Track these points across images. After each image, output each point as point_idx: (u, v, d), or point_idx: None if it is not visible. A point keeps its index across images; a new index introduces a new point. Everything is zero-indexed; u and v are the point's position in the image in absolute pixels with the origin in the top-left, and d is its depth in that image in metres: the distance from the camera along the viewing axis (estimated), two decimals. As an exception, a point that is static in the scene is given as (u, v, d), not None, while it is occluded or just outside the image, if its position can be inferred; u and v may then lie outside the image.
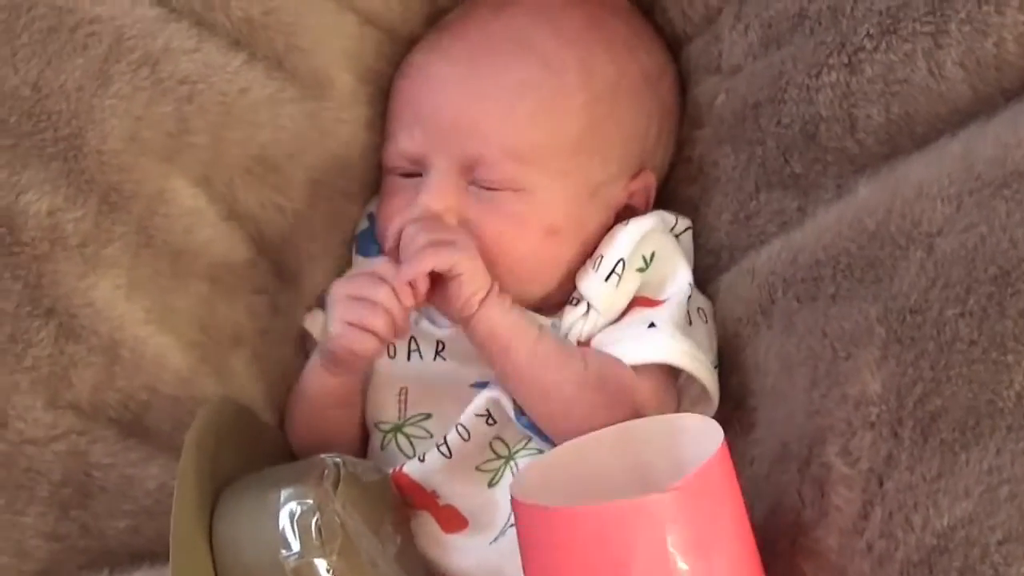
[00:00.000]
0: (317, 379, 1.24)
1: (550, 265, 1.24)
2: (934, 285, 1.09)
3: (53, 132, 1.19)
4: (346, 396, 1.27)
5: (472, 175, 1.22)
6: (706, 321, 1.27)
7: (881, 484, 1.09)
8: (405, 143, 1.25)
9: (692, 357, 1.21)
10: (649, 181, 1.27)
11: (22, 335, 1.20)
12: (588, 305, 1.24)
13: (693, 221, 1.31)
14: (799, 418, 1.17)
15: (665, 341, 1.21)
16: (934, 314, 1.08)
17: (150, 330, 1.23)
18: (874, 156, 1.19)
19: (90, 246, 1.20)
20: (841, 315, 1.16)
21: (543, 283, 1.25)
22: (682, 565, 1.04)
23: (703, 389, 1.22)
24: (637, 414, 1.19)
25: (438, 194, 1.22)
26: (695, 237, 1.31)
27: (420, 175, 1.25)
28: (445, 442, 1.23)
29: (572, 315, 1.24)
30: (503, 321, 1.20)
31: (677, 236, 1.28)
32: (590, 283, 1.24)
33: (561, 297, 1.26)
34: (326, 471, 1.13)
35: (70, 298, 1.21)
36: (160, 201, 1.22)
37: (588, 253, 1.25)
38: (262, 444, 1.25)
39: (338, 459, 1.15)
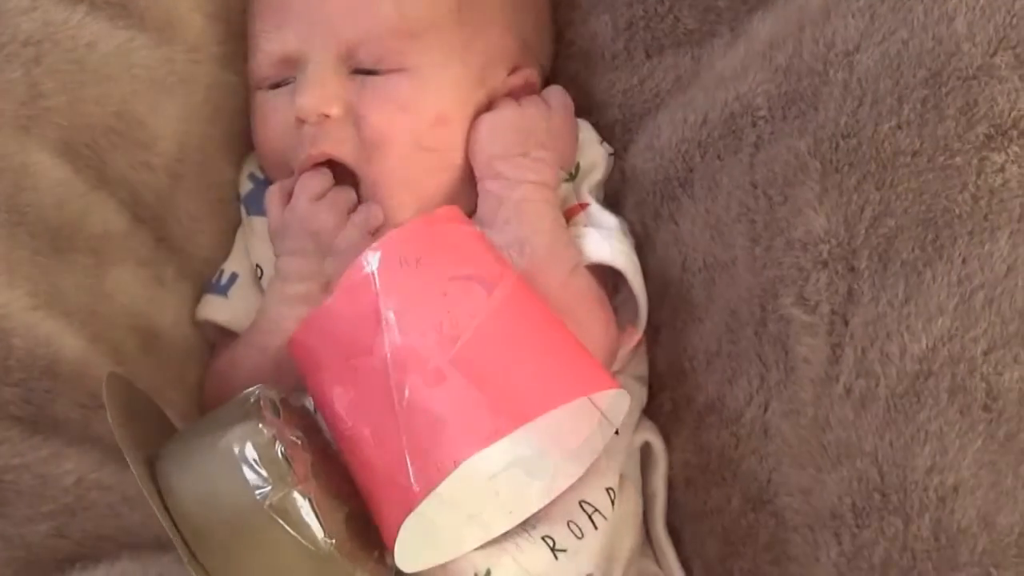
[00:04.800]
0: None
1: (440, 158, 1.23)
2: (862, 103, 1.09)
3: None
4: None
5: (355, 59, 1.21)
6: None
7: (846, 323, 1.09)
8: (272, 43, 1.24)
9: (628, 257, 1.22)
10: (530, 77, 1.26)
11: None
12: None
13: (583, 103, 1.30)
14: (744, 279, 1.16)
15: (606, 243, 1.22)
16: (868, 133, 1.08)
17: (39, 315, 1.15)
18: (768, -11, 1.22)
19: (-44, 236, 1.16)
20: (769, 160, 1.14)
21: (437, 181, 1.23)
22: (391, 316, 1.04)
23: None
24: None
25: (317, 87, 1.20)
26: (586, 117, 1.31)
27: (293, 80, 1.24)
28: None
29: None
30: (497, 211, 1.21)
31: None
32: None
33: (464, 197, 1.24)
34: (261, 402, 1.11)
35: (-56, 296, 1.16)
36: (25, 175, 1.15)
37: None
38: (148, 411, 1.20)
39: (259, 390, 1.12)
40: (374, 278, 1.07)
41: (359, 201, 1.25)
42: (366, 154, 1.21)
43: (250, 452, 1.07)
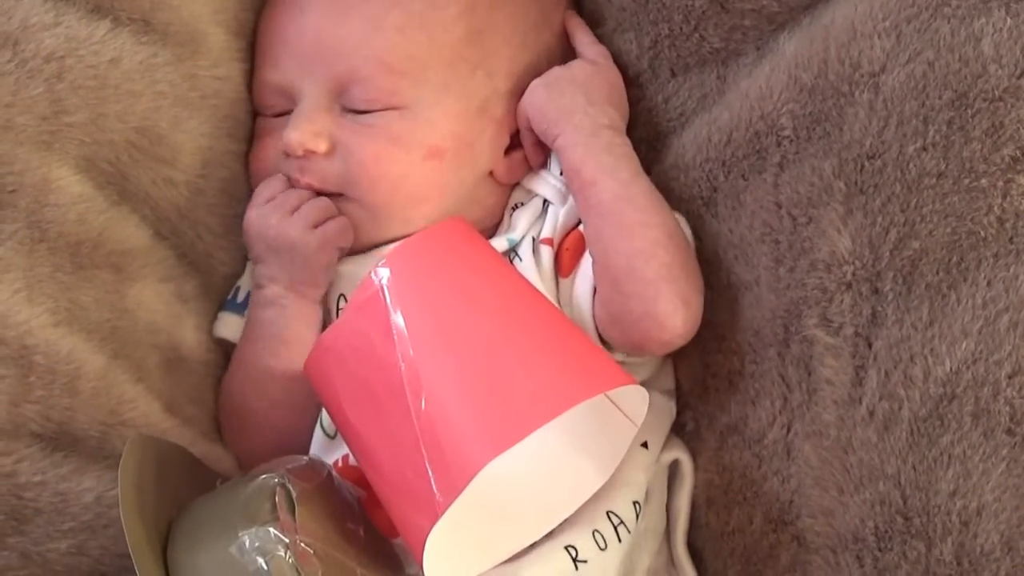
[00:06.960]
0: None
1: (434, 191, 1.21)
2: (888, 125, 1.08)
3: (-80, 132, 1.13)
4: None
5: (346, 97, 1.20)
6: None
7: (870, 345, 1.08)
8: (270, 74, 1.23)
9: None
10: None
11: (-80, 358, 1.13)
12: (544, 201, 1.23)
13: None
14: (768, 300, 1.16)
15: None
16: (894, 154, 1.07)
17: (61, 331, 1.14)
18: (794, 9, 1.17)
19: (-22, 251, 1.14)
20: (793, 180, 1.14)
21: (427, 212, 1.21)
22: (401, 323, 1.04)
23: None
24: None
25: (306, 121, 1.18)
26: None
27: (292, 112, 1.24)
28: None
29: (525, 218, 1.21)
30: (587, 157, 1.18)
31: None
32: (543, 181, 1.23)
33: (479, 226, 1.22)
34: (276, 497, 1.08)
35: (-35, 312, 1.14)
36: (47, 191, 1.14)
37: (480, 181, 1.23)
38: (179, 463, 1.18)
39: (280, 478, 1.09)
40: (384, 292, 1.07)
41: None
42: (353, 186, 1.20)
43: (260, 561, 1.05)
